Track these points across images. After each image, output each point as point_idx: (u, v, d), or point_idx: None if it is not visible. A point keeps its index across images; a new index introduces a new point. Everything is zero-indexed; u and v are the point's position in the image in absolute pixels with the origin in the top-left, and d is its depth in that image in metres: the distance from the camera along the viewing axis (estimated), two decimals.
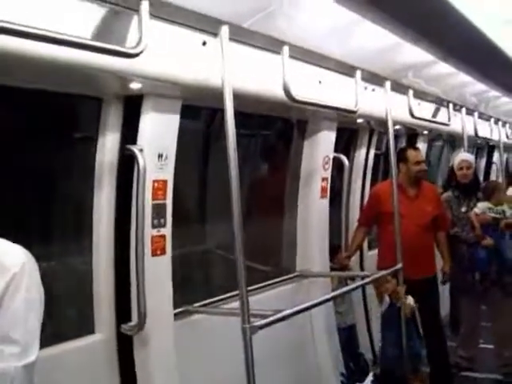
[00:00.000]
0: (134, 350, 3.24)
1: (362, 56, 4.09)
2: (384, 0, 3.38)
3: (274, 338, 3.84)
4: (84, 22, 2.41)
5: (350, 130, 5.84)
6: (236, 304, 3.10)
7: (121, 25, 2.57)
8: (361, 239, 5.39)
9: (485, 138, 8.07)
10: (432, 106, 6.21)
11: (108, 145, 3.19)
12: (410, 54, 4.39)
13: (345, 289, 4.90)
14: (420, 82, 5.21)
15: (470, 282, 5.47)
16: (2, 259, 1.85)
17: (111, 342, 3.23)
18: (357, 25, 3.55)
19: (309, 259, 4.92)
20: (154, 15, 2.54)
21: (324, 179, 4.90)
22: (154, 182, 3.17)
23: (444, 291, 6.04)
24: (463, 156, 5.91)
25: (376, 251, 5.47)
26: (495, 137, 8.39)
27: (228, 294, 3.91)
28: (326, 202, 4.97)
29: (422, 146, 6.74)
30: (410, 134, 6.85)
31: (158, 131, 3.21)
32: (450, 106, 6.31)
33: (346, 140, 5.88)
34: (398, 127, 5.80)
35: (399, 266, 4.50)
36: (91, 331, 3.20)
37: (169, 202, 3.28)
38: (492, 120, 8.17)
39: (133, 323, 3.17)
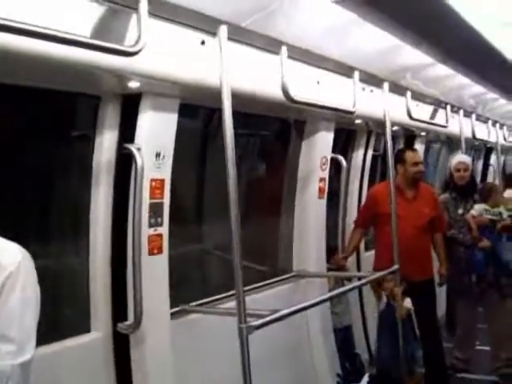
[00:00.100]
0: (131, 348, 3.23)
1: (361, 57, 4.09)
2: (383, 1, 3.38)
3: (271, 338, 3.84)
4: (83, 20, 2.41)
5: (348, 131, 5.84)
6: (233, 304, 3.09)
7: (119, 23, 2.57)
8: (358, 240, 5.40)
9: (482, 140, 8.08)
10: (430, 108, 6.22)
11: (106, 143, 3.19)
12: (409, 55, 4.39)
13: (341, 289, 4.90)
14: (418, 83, 5.22)
15: (466, 283, 5.48)
16: None
17: (107, 340, 3.23)
18: (355, 26, 3.55)
19: (306, 259, 4.93)
20: (152, 14, 2.54)
21: (322, 180, 4.91)
22: (151, 180, 3.17)
23: (441, 293, 6.05)
24: (460, 158, 5.92)
25: (373, 252, 5.48)
26: (493, 139, 8.41)
27: (224, 294, 3.91)
28: (323, 202, 4.98)
29: (419, 147, 6.75)
30: (408, 136, 6.86)
31: (156, 130, 3.21)
32: (448, 107, 6.32)
33: (344, 141, 5.89)
34: (395, 128, 5.81)
35: (396, 267, 4.50)
36: (87, 330, 3.20)
37: (166, 201, 3.28)
38: (490, 122, 8.18)
39: (129, 322, 3.16)
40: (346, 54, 3.93)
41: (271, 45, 3.33)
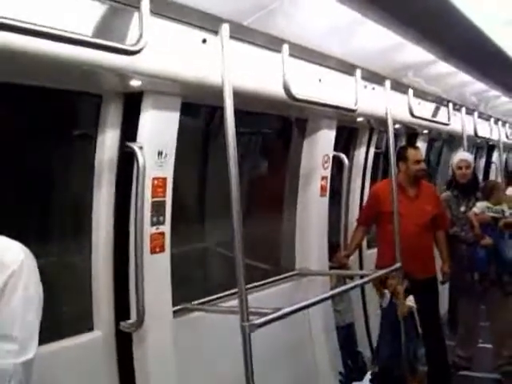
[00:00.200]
0: (133, 347, 3.24)
1: (362, 55, 4.08)
2: None
3: (273, 336, 3.85)
4: (85, 19, 2.41)
5: (350, 129, 5.84)
6: (235, 302, 3.10)
7: (121, 22, 2.56)
8: (360, 238, 5.40)
9: (484, 138, 8.06)
10: (432, 106, 6.21)
11: (108, 142, 3.19)
12: (411, 53, 4.38)
13: (344, 287, 4.90)
14: (420, 81, 5.21)
15: (468, 281, 5.48)
16: (0, 256, 1.85)
17: (110, 339, 3.23)
18: (357, 23, 3.54)
19: (308, 258, 4.93)
20: (154, 12, 2.54)
21: (323, 178, 4.90)
22: (153, 179, 3.17)
23: (443, 291, 6.04)
24: (462, 155, 5.92)
25: (375, 250, 5.48)
26: (495, 136, 8.39)
27: (227, 292, 3.91)
28: (325, 200, 4.98)
29: (421, 145, 6.75)
30: (410, 134, 6.86)
31: (158, 129, 3.21)
32: (450, 105, 6.30)
33: (346, 139, 5.88)
34: (397, 126, 5.81)
35: (398, 265, 4.50)
36: (90, 328, 3.21)
37: (168, 199, 3.29)
38: (492, 120, 8.17)
39: (132, 320, 3.17)
40: (347, 51, 3.93)
41: (273, 43, 3.33)
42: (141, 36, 2.44)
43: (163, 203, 3.26)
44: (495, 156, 9.88)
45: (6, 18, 1.94)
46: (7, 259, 1.85)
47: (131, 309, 3.17)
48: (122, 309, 3.21)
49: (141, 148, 3.09)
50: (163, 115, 3.21)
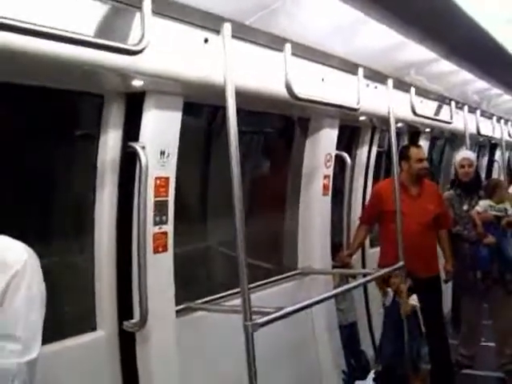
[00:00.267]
0: (136, 346, 3.24)
1: (365, 54, 4.08)
2: None
3: (276, 336, 3.85)
4: (86, 19, 2.41)
5: (352, 128, 5.83)
6: (238, 301, 3.10)
7: (123, 22, 2.57)
8: (362, 237, 5.40)
9: (487, 136, 8.05)
10: (434, 104, 6.20)
11: (110, 142, 3.19)
12: (413, 51, 4.38)
13: (346, 286, 4.89)
14: (422, 79, 5.20)
15: (471, 280, 5.47)
16: (4, 256, 1.86)
17: (113, 338, 3.24)
18: (359, 22, 3.55)
19: (310, 257, 4.93)
20: (156, 12, 2.54)
21: (326, 177, 4.91)
22: (156, 179, 3.17)
23: (446, 289, 6.04)
24: (464, 154, 5.91)
25: (378, 249, 5.48)
26: (497, 135, 8.38)
27: (230, 292, 3.91)
28: (327, 199, 4.98)
29: (424, 143, 6.74)
30: (412, 132, 6.85)
31: (160, 128, 3.21)
32: (453, 103, 6.30)
33: (348, 138, 5.88)
34: (400, 125, 5.81)
35: (401, 263, 4.50)
36: (93, 328, 3.21)
37: (171, 199, 3.29)
38: (494, 118, 8.16)
39: (135, 320, 3.17)
40: (349, 50, 3.93)
41: (275, 42, 3.33)
42: (143, 36, 2.45)
43: (166, 203, 3.26)
44: (498, 154, 9.86)
45: (8, 19, 1.95)
46: (10, 259, 1.86)
47: (134, 308, 3.17)
48: (125, 308, 3.22)
49: (143, 148, 3.09)
50: (165, 115, 3.21)
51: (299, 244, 4.97)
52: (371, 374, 4.97)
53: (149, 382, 3.25)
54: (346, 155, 5.31)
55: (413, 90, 5.10)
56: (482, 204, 5.47)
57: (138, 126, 3.15)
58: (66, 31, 2.17)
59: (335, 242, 5.30)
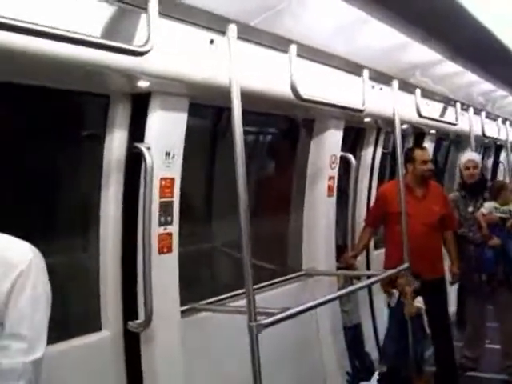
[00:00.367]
0: (141, 347, 3.24)
1: (370, 55, 4.08)
2: None
3: (280, 336, 3.85)
4: (92, 20, 2.42)
5: (357, 129, 5.83)
6: (242, 302, 3.11)
7: (129, 23, 2.58)
8: (367, 239, 5.39)
9: (492, 138, 8.04)
10: (439, 106, 6.19)
11: (115, 142, 3.20)
12: (418, 53, 4.38)
13: (351, 288, 4.90)
14: (427, 81, 5.20)
15: (476, 282, 5.46)
16: (9, 256, 1.87)
17: (118, 339, 3.24)
18: (364, 23, 3.55)
19: (315, 258, 4.93)
20: (162, 13, 2.55)
21: (331, 178, 4.90)
22: (161, 179, 3.18)
23: (451, 291, 6.03)
24: (470, 156, 5.89)
25: (382, 251, 5.47)
26: (502, 136, 8.37)
27: (234, 292, 3.92)
28: (332, 200, 4.97)
29: (429, 145, 6.73)
30: (418, 134, 6.84)
31: (166, 129, 3.22)
32: (458, 105, 6.28)
33: (353, 139, 5.88)
34: (405, 126, 5.80)
35: (406, 265, 4.49)
36: (98, 328, 3.22)
37: (176, 199, 3.29)
38: (499, 119, 8.14)
39: (139, 320, 3.18)
40: (354, 51, 3.93)
41: (280, 43, 3.33)
42: (148, 37, 2.45)
43: (171, 203, 3.26)
44: (503, 156, 9.83)
45: (14, 20, 1.96)
46: (15, 259, 1.86)
47: (139, 309, 3.17)
48: (129, 309, 3.22)
49: (148, 148, 3.10)
50: (171, 116, 3.22)
51: (304, 245, 4.96)
52: (375, 376, 4.97)
53: (153, 383, 3.26)
54: (350, 156, 5.31)
55: (418, 91, 5.09)
56: (487, 206, 5.46)
57: (143, 126, 3.16)
58: (74, 32, 2.17)
59: (340, 243, 5.30)
